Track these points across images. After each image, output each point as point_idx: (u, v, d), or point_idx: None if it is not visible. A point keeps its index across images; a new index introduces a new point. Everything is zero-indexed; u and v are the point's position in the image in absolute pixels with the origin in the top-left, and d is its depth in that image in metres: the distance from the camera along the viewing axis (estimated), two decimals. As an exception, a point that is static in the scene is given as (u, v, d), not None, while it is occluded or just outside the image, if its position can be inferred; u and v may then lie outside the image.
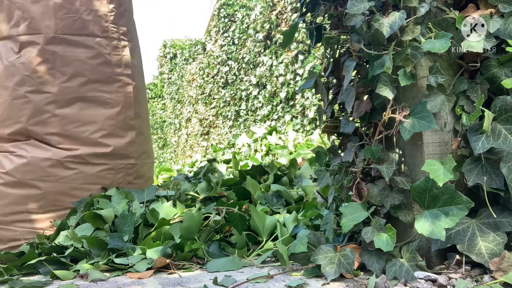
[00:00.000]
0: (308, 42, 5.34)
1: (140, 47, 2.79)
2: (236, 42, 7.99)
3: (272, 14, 6.51)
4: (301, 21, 1.73)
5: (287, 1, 6.09)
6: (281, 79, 6.19)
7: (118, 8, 2.52)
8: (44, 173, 2.24)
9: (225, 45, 8.40)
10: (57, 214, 2.24)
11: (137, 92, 2.57)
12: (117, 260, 1.64)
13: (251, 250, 1.79)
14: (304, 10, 1.72)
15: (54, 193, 2.24)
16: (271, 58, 6.61)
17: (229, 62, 8.25)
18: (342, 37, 1.61)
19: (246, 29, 7.58)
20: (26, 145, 2.28)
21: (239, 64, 7.85)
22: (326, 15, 1.63)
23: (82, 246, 1.77)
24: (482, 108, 1.18)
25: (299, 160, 3.74)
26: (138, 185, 2.52)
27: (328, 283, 1.26)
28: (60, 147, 2.28)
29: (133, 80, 2.53)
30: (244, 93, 7.65)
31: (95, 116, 2.38)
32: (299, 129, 5.59)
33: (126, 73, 2.50)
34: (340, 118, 1.57)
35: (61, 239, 1.89)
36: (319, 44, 1.72)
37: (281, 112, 6.24)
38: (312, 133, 5.20)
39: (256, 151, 4.79)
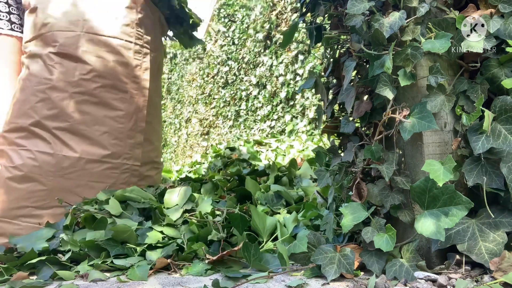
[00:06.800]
0: (308, 42, 5.34)
1: (163, 60, 2.83)
2: (236, 42, 7.99)
3: (272, 14, 6.51)
4: (301, 21, 1.73)
5: (287, 1, 6.09)
6: (281, 79, 6.19)
7: (146, 18, 2.57)
8: (50, 169, 2.25)
9: (225, 45, 8.39)
10: (61, 211, 2.25)
11: (151, 99, 2.61)
12: (117, 261, 1.64)
13: (251, 250, 1.79)
14: (304, 10, 1.72)
15: (58, 190, 2.26)
16: (271, 58, 6.61)
17: (229, 62, 8.25)
18: (342, 37, 1.61)
19: (246, 29, 7.57)
20: (35, 140, 2.30)
21: (239, 64, 7.84)
22: (326, 15, 1.63)
23: (81, 249, 1.77)
24: (482, 108, 1.18)
25: (298, 160, 3.74)
26: (143, 187, 2.52)
27: (328, 283, 1.26)
28: (68, 144, 2.30)
29: (149, 87, 2.57)
30: (244, 93, 7.65)
31: (104, 117, 2.39)
32: (298, 129, 5.59)
33: (144, 78, 2.55)
34: (340, 118, 1.57)
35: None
36: (319, 44, 1.72)
37: (281, 112, 6.24)
38: (312, 133, 5.20)
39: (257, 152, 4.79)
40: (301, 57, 5.64)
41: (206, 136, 9.59)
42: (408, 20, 1.30)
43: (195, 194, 2.21)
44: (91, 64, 2.39)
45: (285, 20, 6.21)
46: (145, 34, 2.58)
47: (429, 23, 1.30)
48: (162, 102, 12.82)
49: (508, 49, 1.19)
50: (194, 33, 3.22)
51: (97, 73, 2.39)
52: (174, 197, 2.10)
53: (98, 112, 2.39)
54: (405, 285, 1.18)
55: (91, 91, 2.38)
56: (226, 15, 8.33)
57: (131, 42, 2.51)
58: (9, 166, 2.26)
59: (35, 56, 2.41)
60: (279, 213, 2.13)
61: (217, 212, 1.94)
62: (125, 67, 2.48)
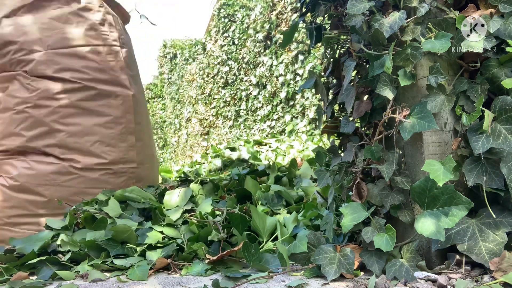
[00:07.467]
0: (308, 42, 5.34)
1: (134, 53, 2.77)
2: (236, 42, 8.00)
3: (272, 14, 6.51)
4: (301, 21, 1.73)
5: (287, 1, 6.09)
6: (281, 79, 6.19)
7: (106, 14, 2.51)
8: (47, 178, 2.26)
9: (225, 45, 8.40)
10: (60, 218, 2.25)
11: (136, 99, 2.57)
12: (117, 261, 1.64)
13: (251, 250, 1.78)
14: (304, 10, 1.72)
15: (56, 198, 2.26)
16: (271, 58, 6.61)
17: (229, 62, 8.25)
18: (342, 37, 1.61)
19: (246, 29, 7.58)
20: (29, 155, 2.30)
21: (239, 64, 7.85)
22: (326, 15, 1.63)
23: (81, 249, 1.77)
24: (482, 108, 1.18)
25: (298, 160, 3.74)
26: (143, 187, 2.52)
27: (328, 283, 1.26)
28: (61, 157, 2.30)
29: (130, 87, 2.53)
30: (244, 93, 7.65)
31: (93, 126, 2.38)
32: (298, 129, 5.59)
33: (122, 78, 2.50)
34: (340, 118, 1.57)
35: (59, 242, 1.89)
36: (319, 44, 1.72)
37: (281, 112, 6.24)
38: (312, 133, 5.20)
39: (257, 151, 4.79)
40: (301, 57, 5.64)
41: (206, 136, 9.59)
42: (408, 20, 1.30)
43: (195, 189, 2.21)
44: (67, 78, 2.35)
45: (285, 20, 6.21)
46: (110, 32, 2.52)
47: (429, 23, 1.30)
48: (162, 102, 12.81)
49: (508, 49, 1.19)
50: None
51: (75, 84, 2.36)
52: (174, 198, 2.10)
53: (86, 121, 2.36)
54: (405, 285, 1.18)
55: (74, 102, 2.35)
56: (226, 15, 8.33)
57: (98, 45, 2.44)
58: (6, 177, 2.27)
59: (10, 77, 2.36)
60: (279, 213, 2.13)
61: (217, 212, 1.94)
62: (101, 71, 2.43)
